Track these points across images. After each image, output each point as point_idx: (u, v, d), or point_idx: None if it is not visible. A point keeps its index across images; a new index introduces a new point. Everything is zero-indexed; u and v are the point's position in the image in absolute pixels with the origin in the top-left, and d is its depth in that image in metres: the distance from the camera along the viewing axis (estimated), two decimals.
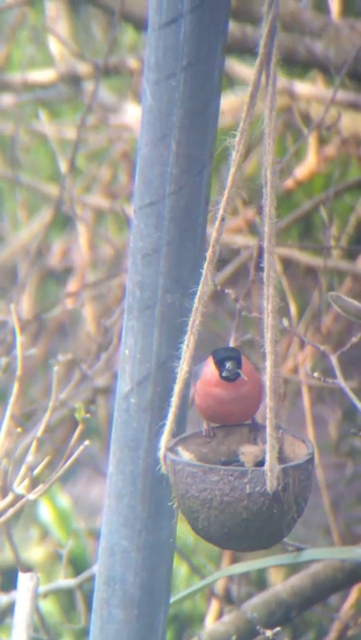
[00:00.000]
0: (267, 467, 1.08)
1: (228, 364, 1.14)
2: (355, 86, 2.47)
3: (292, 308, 2.18)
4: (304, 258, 2.36)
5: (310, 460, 1.11)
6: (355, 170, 2.78)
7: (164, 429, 1.15)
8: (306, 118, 2.60)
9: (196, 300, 1.15)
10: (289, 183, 2.67)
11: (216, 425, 1.18)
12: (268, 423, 1.09)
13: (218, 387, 1.14)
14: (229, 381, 1.14)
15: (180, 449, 1.15)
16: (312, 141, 2.69)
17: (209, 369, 1.15)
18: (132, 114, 2.74)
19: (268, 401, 1.10)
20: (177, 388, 1.14)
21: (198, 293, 1.15)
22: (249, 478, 1.08)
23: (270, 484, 1.08)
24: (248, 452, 1.15)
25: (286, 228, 2.41)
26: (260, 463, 1.13)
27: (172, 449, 1.14)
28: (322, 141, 2.73)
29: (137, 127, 2.63)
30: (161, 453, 1.14)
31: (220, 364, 1.14)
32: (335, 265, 2.37)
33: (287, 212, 2.39)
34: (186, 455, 1.15)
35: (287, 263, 2.36)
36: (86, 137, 2.86)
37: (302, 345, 2.31)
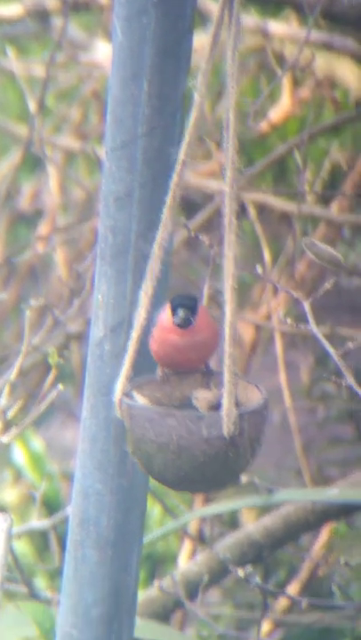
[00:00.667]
0: (224, 411, 1.10)
1: (180, 312, 1.14)
2: (329, 26, 2.43)
3: (266, 254, 2.17)
4: (278, 203, 2.35)
5: (265, 405, 1.13)
6: (329, 112, 2.75)
7: (120, 374, 1.14)
8: (280, 59, 2.55)
9: (155, 247, 1.13)
10: (263, 126, 2.63)
11: (170, 371, 1.18)
12: (226, 369, 1.10)
13: (173, 333, 1.14)
14: (182, 328, 1.14)
15: (135, 394, 1.15)
16: (286, 83, 2.65)
17: (166, 315, 1.15)
18: (103, 51, 2.68)
19: (227, 347, 1.10)
20: (135, 334, 1.14)
21: (157, 239, 1.13)
22: (206, 423, 1.09)
23: (227, 428, 1.09)
24: (202, 397, 1.16)
25: (260, 173, 2.38)
26: (214, 408, 1.14)
27: (127, 394, 1.14)
28: (296, 83, 2.69)
29: (108, 65, 2.56)
30: (117, 398, 1.14)
31: (173, 311, 1.14)
32: (310, 210, 2.36)
33: (261, 156, 2.36)
34: (141, 400, 1.15)
35: (261, 208, 2.35)
36: (56, 75, 2.79)
37: (276, 291, 2.32)
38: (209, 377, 1.18)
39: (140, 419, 1.11)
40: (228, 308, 1.11)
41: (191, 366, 1.17)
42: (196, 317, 1.14)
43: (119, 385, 1.15)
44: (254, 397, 1.15)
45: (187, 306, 1.14)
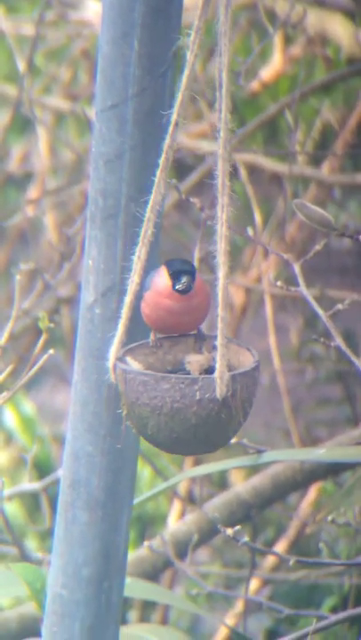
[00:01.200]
0: (217, 374, 1.10)
1: (184, 279, 1.14)
2: None
3: (257, 216, 2.16)
4: (269, 164, 2.33)
5: (256, 367, 1.13)
6: (320, 71, 2.71)
7: (113, 340, 1.15)
8: (271, 16, 2.51)
9: (148, 210, 1.12)
10: (254, 85, 2.60)
11: (163, 335, 1.19)
12: (219, 332, 1.11)
13: (169, 298, 1.14)
14: (182, 294, 1.14)
15: (128, 359, 1.16)
16: (278, 41, 2.62)
17: (162, 280, 1.15)
18: (93, 9, 2.63)
19: (220, 311, 1.10)
20: (128, 299, 1.14)
21: (150, 203, 1.12)
22: (199, 385, 1.10)
23: (220, 390, 1.10)
24: (194, 360, 1.17)
25: (251, 133, 2.36)
26: (206, 372, 1.15)
27: (120, 359, 1.15)
28: (288, 41, 2.65)
29: (98, 24, 2.52)
30: (110, 363, 1.15)
31: (175, 277, 1.14)
32: (300, 171, 2.35)
33: (252, 116, 2.34)
34: (134, 365, 1.16)
35: (252, 169, 2.33)
36: (45, 34, 2.74)
37: (266, 254, 2.31)
38: (201, 341, 1.19)
39: (135, 383, 1.12)
40: (221, 271, 1.10)
41: (185, 330, 1.18)
42: (195, 283, 1.14)
43: (113, 350, 1.15)
44: (246, 360, 1.15)
45: (188, 272, 1.14)
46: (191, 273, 1.14)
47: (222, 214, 1.10)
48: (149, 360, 1.18)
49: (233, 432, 1.13)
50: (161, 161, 1.12)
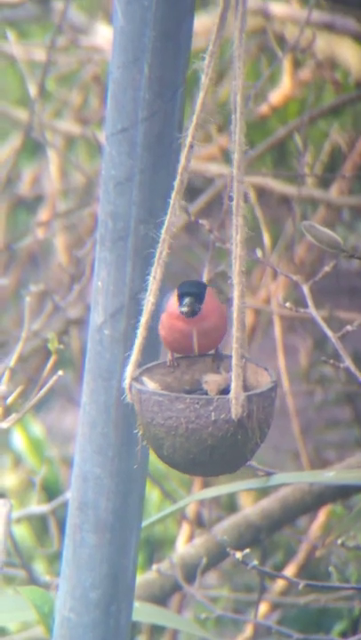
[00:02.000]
0: (232, 394, 1.10)
1: (186, 300, 1.14)
2: (330, 7, 2.41)
3: (266, 238, 2.17)
4: (278, 186, 2.34)
5: (273, 388, 1.13)
6: (329, 94, 2.73)
7: (129, 360, 1.15)
8: (281, 40, 2.54)
9: (163, 231, 1.13)
10: (263, 109, 2.62)
11: (180, 355, 1.19)
12: (234, 353, 1.11)
13: (179, 320, 1.15)
14: (188, 317, 1.14)
15: (145, 379, 1.16)
16: (287, 65, 2.64)
17: (173, 302, 1.16)
18: (104, 35, 2.66)
19: (235, 331, 1.11)
20: (143, 319, 1.14)
21: (166, 224, 1.13)
22: (214, 406, 1.10)
23: (235, 411, 1.10)
24: (212, 380, 1.17)
25: (260, 156, 2.37)
26: (224, 392, 1.15)
27: (137, 379, 1.15)
28: (297, 65, 2.67)
29: (108, 49, 2.55)
30: (127, 383, 1.15)
31: (180, 299, 1.15)
32: (309, 193, 2.36)
33: (261, 139, 2.35)
34: (151, 385, 1.16)
35: (261, 192, 2.34)
36: (56, 59, 2.78)
37: (275, 275, 2.32)
38: (219, 361, 1.19)
39: (150, 403, 1.12)
40: (236, 292, 1.11)
41: (201, 351, 1.18)
42: (203, 305, 1.15)
43: (128, 370, 1.15)
44: (264, 380, 1.15)
45: (192, 294, 1.15)
46: (196, 295, 1.15)
47: (237, 235, 1.11)
48: (167, 380, 1.18)
49: (250, 453, 1.12)
50: (176, 183, 1.13)
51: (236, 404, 1.10)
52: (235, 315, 1.11)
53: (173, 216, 1.13)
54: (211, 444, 1.10)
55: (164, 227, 1.13)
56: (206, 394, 1.16)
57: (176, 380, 1.18)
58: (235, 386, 1.10)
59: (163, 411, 1.10)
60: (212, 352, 1.19)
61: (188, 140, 1.12)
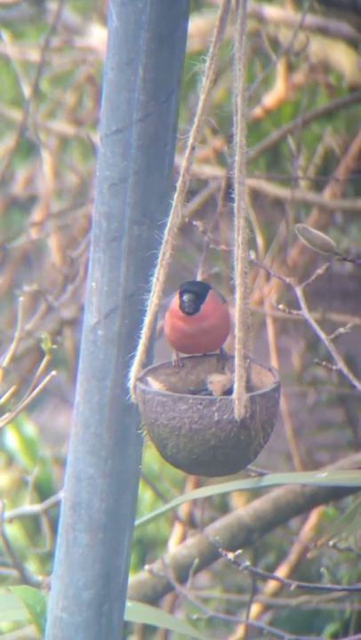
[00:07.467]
0: (235, 395, 1.10)
1: (185, 297, 1.15)
2: (323, 10, 2.42)
3: (259, 241, 2.18)
4: (271, 189, 2.35)
5: (277, 388, 1.13)
6: (322, 98, 2.74)
7: (133, 360, 1.15)
8: (274, 43, 2.55)
9: (165, 232, 1.14)
10: (257, 111, 2.63)
11: (185, 355, 1.19)
12: (236, 353, 1.11)
13: (181, 320, 1.16)
14: (188, 315, 1.14)
15: (149, 379, 1.16)
16: (281, 68, 2.65)
17: (174, 302, 1.16)
18: (98, 36, 2.66)
19: (237, 332, 1.11)
20: (147, 320, 1.14)
21: (168, 225, 1.14)
22: (217, 406, 1.10)
23: (238, 411, 1.10)
24: (216, 381, 1.17)
25: (254, 159, 2.38)
26: (228, 392, 1.15)
27: (141, 379, 1.15)
28: (290, 68, 2.68)
29: (103, 50, 2.56)
30: (131, 384, 1.15)
31: (180, 297, 1.16)
32: (302, 196, 2.37)
33: (255, 142, 2.36)
34: (155, 385, 1.16)
35: (254, 194, 2.35)
36: (50, 59, 2.78)
37: (268, 277, 2.32)
38: (224, 361, 1.19)
39: (153, 403, 1.12)
40: (238, 293, 1.11)
41: (204, 350, 1.18)
42: (203, 304, 1.15)
43: (133, 371, 1.16)
44: (268, 381, 1.15)
45: (192, 292, 1.15)
46: (196, 293, 1.15)
47: (238, 236, 1.11)
48: (172, 380, 1.18)
49: (254, 454, 1.12)
50: (178, 184, 1.13)
51: (238, 405, 1.10)
52: (237, 316, 1.11)
53: (175, 217, 1.13)
54: (214, 445, 1.10)
55: (167, 228, 1.14)
56: (211, 394, 1.16)
57: (181, 380, 1.18)
58: (237, 386, 1.10)
59: (166, 411, 1.11)
60: (216, 352, 1.19)
61: (190, 141, 1.12)
